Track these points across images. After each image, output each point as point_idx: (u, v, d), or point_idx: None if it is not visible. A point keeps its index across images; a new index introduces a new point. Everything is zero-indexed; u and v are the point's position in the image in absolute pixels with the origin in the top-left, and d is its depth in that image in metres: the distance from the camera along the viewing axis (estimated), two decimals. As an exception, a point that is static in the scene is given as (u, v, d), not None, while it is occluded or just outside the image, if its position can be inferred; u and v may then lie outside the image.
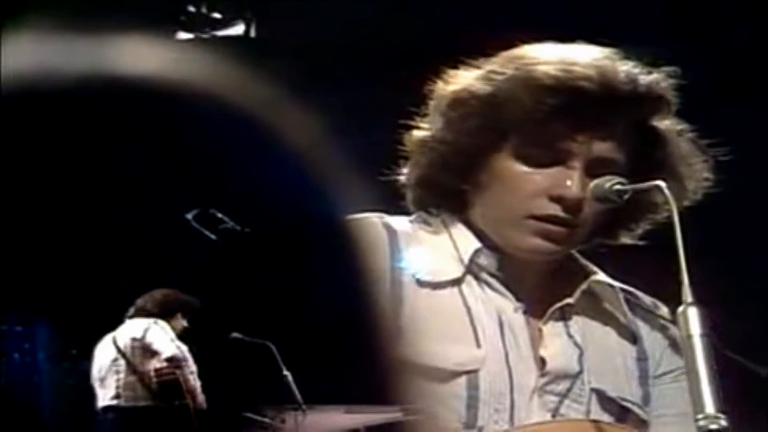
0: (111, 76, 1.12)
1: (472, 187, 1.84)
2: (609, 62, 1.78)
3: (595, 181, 1.77)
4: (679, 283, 1.55)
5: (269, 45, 5.95)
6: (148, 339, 6.25)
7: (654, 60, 1.82)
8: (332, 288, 1.49)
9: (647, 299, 1.92)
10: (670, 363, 1.88)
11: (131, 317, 6.31)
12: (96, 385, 6.29)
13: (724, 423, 1.44)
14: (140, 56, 1.14)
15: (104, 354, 6.31)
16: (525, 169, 1.78)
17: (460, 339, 1.80)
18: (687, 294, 1.55)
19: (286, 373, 5.47)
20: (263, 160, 1.31)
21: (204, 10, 6.14)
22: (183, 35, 6.04)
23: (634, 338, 1.88)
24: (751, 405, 1.90)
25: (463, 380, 1.78)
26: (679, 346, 1.81)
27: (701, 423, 1.44)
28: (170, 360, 6.24)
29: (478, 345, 1.79)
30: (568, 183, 1.75)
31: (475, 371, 1.78)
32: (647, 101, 1.81)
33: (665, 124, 1.86)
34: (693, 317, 1.52)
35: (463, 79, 1.82)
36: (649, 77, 1.81)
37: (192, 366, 6.33)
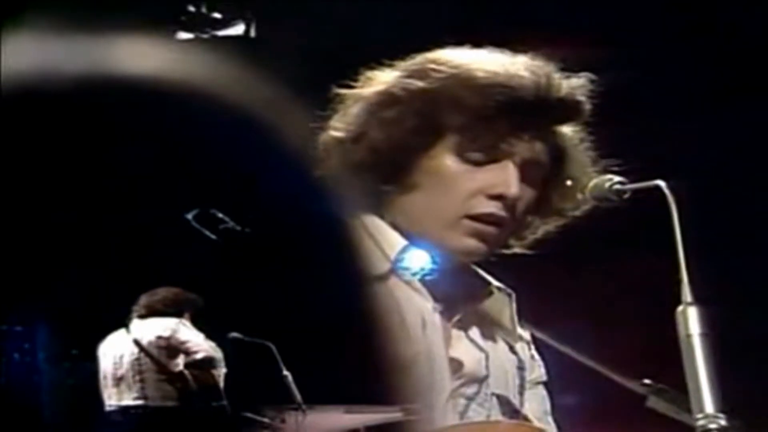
0: (111, 76, 1.12)
1: (397, 187, 1.83)
2: (541, 65, 1.80)
3: (594, 181, 1.77)
4: (679, 282, 1.55)
5: (269, 45, 5.96)
6: (180, 338, 6.13)
7: (573, 67, 1.84)
8: (332, 288, 1.49)
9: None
10: (533, 371, 1.92)
11: (143, 317, 6.20)
12: (109, 384, 6.14)
13: (723, 422, 1.44)
14: (140, 56, 1.14)
15: (121, 353, 6.15)
16: (463, 167, 1.78)
17: (399, 334, 1.80)
18: (686, 293, 1.55)
19: (286, 373, 5.47)
20: (263, 160, 1.31)
21: (204, 10, 6.14)
22: (183, 35, 6.04)
23: (512, 348, 1.91)
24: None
25: (412, 372, 1.79)
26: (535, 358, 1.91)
27: (701, 422, 1.44)
28: (204, 361, 6.13)
29: (410, 340, 1.80)
30: (507, 180, 1.75)
31: (415, 364, 1.79)
32: (571, 106, 1.83)
33: (570, 129, 1.88)
34: (692, 316, 1.52)
35: (388, 78, 1.82)
36: (576, 82, 1.83)
37: (224, 367, 6.22)
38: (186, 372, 6.10)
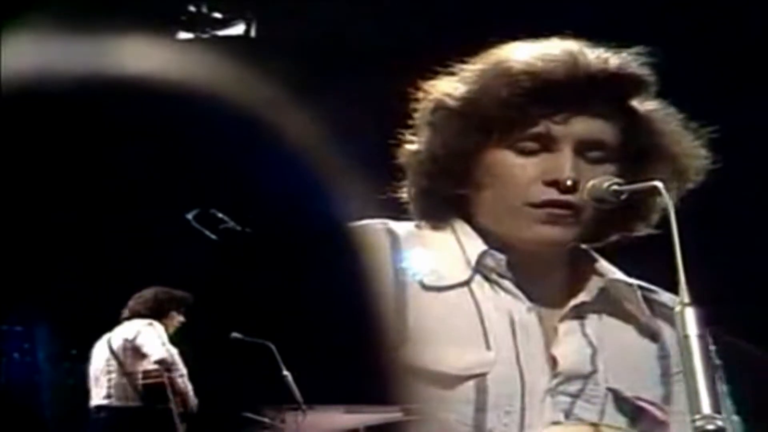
0: (112, 77, 1.12)
1: (471, 189, 1.85)
2: (579, 47, 1.80)
3: (592, 182, 1.77)
4: (677, 283, 1.55)
5: (269, 45, 5.95)
6: (139, 341, 6.30)
7: (631, 47, 1.84)
8: (331, 289, 1.49)
9: (666, 295, 1.91)
10: None
11: (127, 319, 6.36)
12: (91, 384, 6.36)
13: (720, 423, 1.44)
14: (141, 56, 1.14)
15: (99, 355, 6.36)
16: (515, 159, 1.79)
17: (468, 342, 1.79)
18: (683, 294, 1.55)
19: (286, 373, 5.48)
20: (263, 160, 1.31)
21: (204, 10, 6.14)
22: (183, 35, 6.04)
23: (654, 336, 1.87)
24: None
25: (471, 384, 1.77)
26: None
27: (698, 423, 1.44)
28: (159, 363, 6.28)
29: (488, 347, 1.78)
30: (560, 165, 1.76)
31: (483, 375, 1.77)
32: (620, 79, 1.82)
33: (647, 106, 1.87)
34: (690, 318, 1.52)
35: (442, 85, 1.84)
36: (620, 57, 1.83)
37: (182, 369, 6.36)
38: (140, 374, 6.28)
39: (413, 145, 1.84)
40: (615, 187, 1.73)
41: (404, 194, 1.86)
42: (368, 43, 5.77)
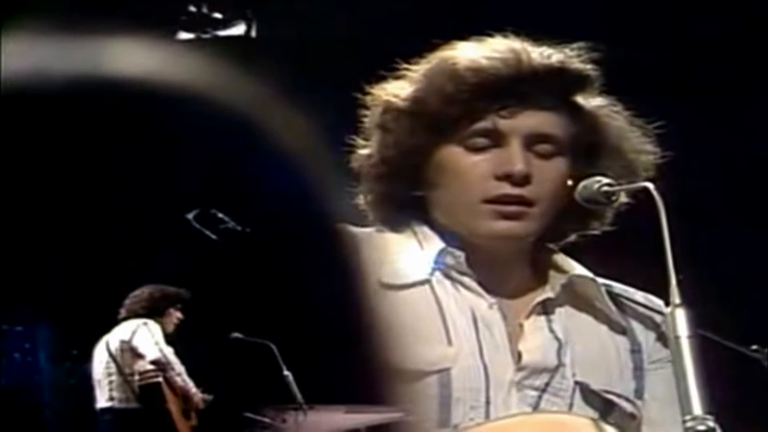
0: (111, 77, 1.12)
1: (426, 189, 1.86)
2: (522, 45, 1.82)
3: (583, 183, 1.78)
4: (667, 285, 1.55)
5: (270, 45, 5.95)
6: (135, 342, 6.31)
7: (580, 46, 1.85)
8: (331, 289, 1.49)
9: (639, 294, 1.91)
10: (658, 352, 1.88)
11: (124, 319, 6.36)
12: (95, 387, 6.36)
13: (711, 424, 1.44)
14: (141, 57, 1.14)
15: (99, 358, 6.37)
16: (466, 156, 1.81)
17: (430, 338, 1.80)
18: (674, 295, 1.55)
19: (286, 373, 5.47)
20: (264, 160, 1.31)
21: (204, 10, 6.14)
22: (184, 35, 6.04)
23: (623, 330, 1.88)
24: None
25: (434, 379, 1.78)
26: (666, 337, 1.82)
27: (689, 424, 1.44)
28: (154, 363, 6.29)
29: (450, 343, 1.79)
30: (510, 159, 1.76)
31: (446, 370, 1.78)
32: (563, 74, 1.83)
33: (592, 102, 1.88)
34: (680, 319, 1.52)
35: (389, 87, 1.85)
36: (563, 53, 1.84)
37: (178, 368, 6.36)
38: (136, 375, 6.29)
39: (365, 149, 1.84)
40: (606, 188, 1.73)
41: (361, 203, 1.86)
42: (369, 43, 5.77)
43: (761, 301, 5.64)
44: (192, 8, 6.11)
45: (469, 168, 1.79)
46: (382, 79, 1.86)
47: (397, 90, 1.83)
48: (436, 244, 1.84)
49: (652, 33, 5.75)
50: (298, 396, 5.29)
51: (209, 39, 6.10)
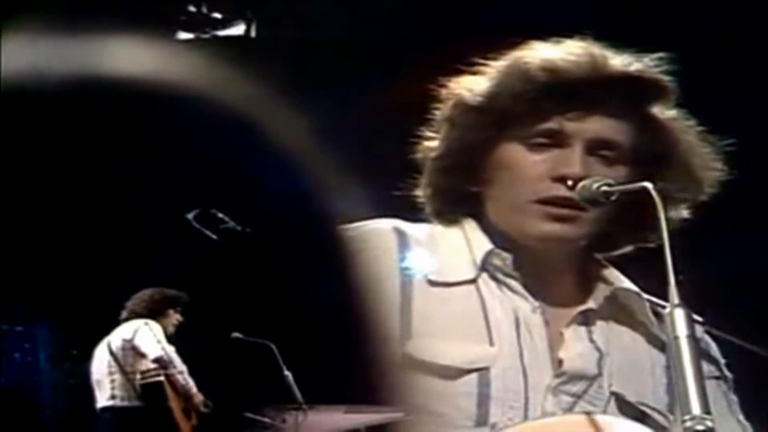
0: (112, 77, 1.12)
1: (482, 186, 1.86)
2: (600, 50, 1.81)
3: (582, 183, 1.77)
4: (666, 285, 1.55)
5: (269, 45, 5.95)
6: (137, 341, 6.35)
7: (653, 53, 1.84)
8: (330, 289, 1.50)
9: None
10: None
11: (125, 320, 6.40)
12: (95, 387, 6.40)
13: (710, 424, 1.44)
14: (141, 56, 1.14)
15: (100, 357, 6.40)
16: (526, 154, 1.80)
17: (472, 337, 1.80)
18: (673, 296, 1.55)
19: (286, 373, 5.48)
20: (264, 159, 1.31)
21: (204, 10, 6.15)
22: (183, 35, 6.04)
23: (662, 346, 1.88)
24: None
25: (473, 378, 1.78)
26: (707, 355, 1.84)
27: (688, 424, 1.44)
28: (156, 362, 6.33)
29: (491, 343, 1.79)
30: (569, 161, 1.76)
31: (486, 369, 1.78)
32: (639, 83, 1.82)
33: (667, 114, 1.87)
34: (679, 319, 1.52)
35: (465, 82, 1.85)
36: (641, 62, 1.83)
37: (179, 366, 6.40)
38: (138, 374, 6.34)
39: (432, 141, 1.84)
40: (605, 188, 1.73)
41: (419, 193, 1.86)
42: (370, 43, 5.77)
43: (761, 301, 5.65)
44: (192, 8, 6.12)
45: (527, 166, 1.79)
46: (460, 73, 1.86)
47: (471, 84, 1.83)
48: (484, 244, 1.84)
49: (652, 33, 5.76)
50: (298, 396, 5.30)
51: (209, 39, 6.10)
